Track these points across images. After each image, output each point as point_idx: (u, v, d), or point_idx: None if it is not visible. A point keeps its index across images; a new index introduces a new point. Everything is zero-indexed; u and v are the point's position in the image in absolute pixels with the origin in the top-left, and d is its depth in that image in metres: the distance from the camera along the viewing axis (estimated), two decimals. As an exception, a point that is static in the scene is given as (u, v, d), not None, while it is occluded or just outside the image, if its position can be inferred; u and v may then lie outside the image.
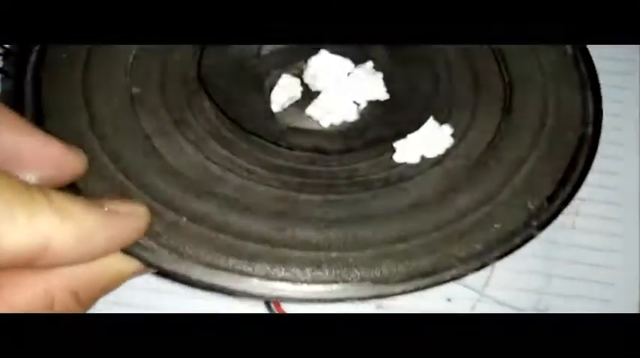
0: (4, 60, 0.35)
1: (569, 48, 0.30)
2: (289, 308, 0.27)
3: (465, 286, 0.31)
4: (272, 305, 0.27)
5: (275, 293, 0.23)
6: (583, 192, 0.30)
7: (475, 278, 0.30)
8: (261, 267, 0.23)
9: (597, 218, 0.34)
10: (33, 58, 0.28)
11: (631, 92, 0.37)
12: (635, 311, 0.32)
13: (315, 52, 0.31)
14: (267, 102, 0.29)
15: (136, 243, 0.23)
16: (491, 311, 0.31)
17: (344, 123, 0.29)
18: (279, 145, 0.26)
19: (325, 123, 0.29)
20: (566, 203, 0.26)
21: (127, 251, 0.22)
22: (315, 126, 0.29)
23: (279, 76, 0.30)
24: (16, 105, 0.26)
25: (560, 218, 0.26)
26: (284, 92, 0.30)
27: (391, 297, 0.24)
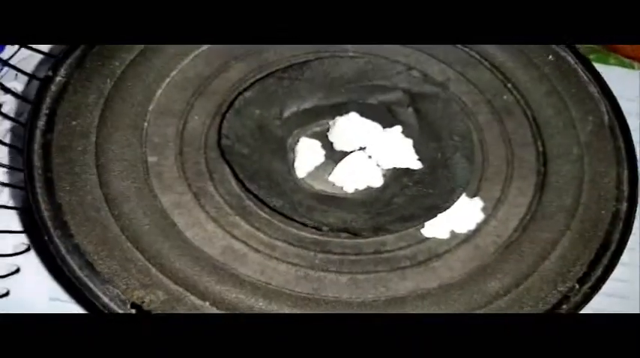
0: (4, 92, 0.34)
1: (606, 118, 0.30)
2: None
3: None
4: None
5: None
6: None
7: None
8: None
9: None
10: (41, 124, 0.26)
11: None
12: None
13: (338, 112, 0.30)
14: (290, 167, 0.28)
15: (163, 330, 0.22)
16: None
17: (368, 189, 0.29)
18: (306, 225, 0.26)
19: (349, 189, 0.29)
20: (597, 286, 0.26)
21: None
22: (339, 192, 0.28)
23: (298, 138, 0.30)
24: (26, 180, 0.25)
25: None
26: (307, 156, 0.29)
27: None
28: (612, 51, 0.43)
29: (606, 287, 0.30)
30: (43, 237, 0.24)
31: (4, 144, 0.32)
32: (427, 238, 0.27)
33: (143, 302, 0.23)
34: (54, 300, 0.29)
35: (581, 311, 0.25)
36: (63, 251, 0.24)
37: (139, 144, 0.27)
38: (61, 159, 0.26)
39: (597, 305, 0.26)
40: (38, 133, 0.27)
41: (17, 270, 0.30)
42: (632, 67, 0.43)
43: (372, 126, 0.30)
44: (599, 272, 0.26)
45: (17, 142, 0.32)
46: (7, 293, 0.29)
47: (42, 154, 0.26)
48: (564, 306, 0.25)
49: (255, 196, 0.26)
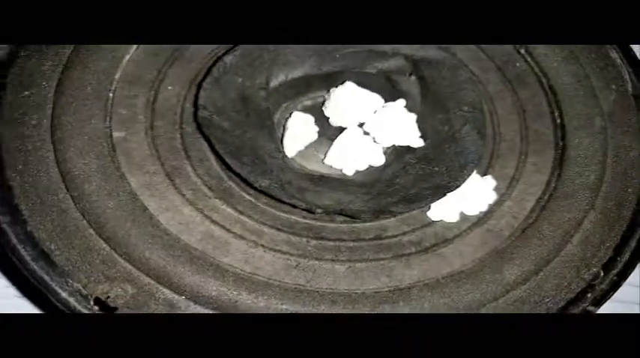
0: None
1: (629, 86, 0.27)
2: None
3: None
4: None
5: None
6: None
7: None
8: None
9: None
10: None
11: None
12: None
13: (332, 83, 0.27)
14: (278, 145, 0.25)
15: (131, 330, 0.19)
16: None
17: (369, 169, 0.25)
18: (296, 207, 0.22)
19: (349, 171, 0.25)
20: (625, 273, 0.23)
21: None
22: (336, 173, 0.25)
23: (288, 112, 0.26)
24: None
25: None
26: (298, 133, 0.26)
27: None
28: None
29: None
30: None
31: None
32: (434, 221, 0.24)
33: (108, 297, 0.20)
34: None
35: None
36: (14, 240, 0.21)
37: (103, 117, 0.24)
38: (12, 135, 0.23)
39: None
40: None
41: None
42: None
43: (373, 99, 0.26)
44: (626, 256, 0.24)
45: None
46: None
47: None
48: (589, 295, 0.23)
49: (238, 176, 0.23)
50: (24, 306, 0.25)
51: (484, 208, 0.24)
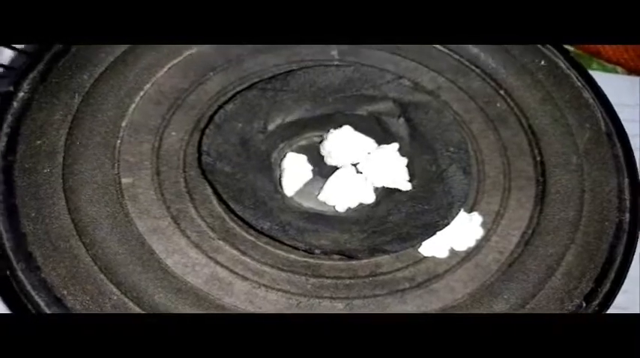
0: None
1: (603, 125, 0.28)
2: None
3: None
4: None
5: None
6: None
7: None
8: None
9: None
10: (2, 145, 0.24)
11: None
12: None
13: (325, 124, 0.28)
14: (277, 185, 0.27)
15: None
16: None
17: (361, 207, 0.27)
18: (296, 248, 0.24)
19: (341, 208, 0.27)
20: (605, 303, 0.24)
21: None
22: (330, 211, 0.27)
23: (283, 153, 0.28)
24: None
25: None
26: (294, 174, 0.27)
27: None
28: (594, 55, 0.43)
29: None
30: (4, 271, 0.22)
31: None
32: (425, 257, 0.25)
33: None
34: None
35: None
36: (28, 286, 0.22)
37: (112, 165, 0.25)
38: (25, 183, 0.24)
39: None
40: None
41: None
42: (616, 71, 0.43)
43: (367, 142, 0.28)
44: (606, 287, 0.25)
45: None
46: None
47: (3, 178, 0.24)
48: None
49: (240, 218, 0.24)
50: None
51: (472, 244, 0.26)
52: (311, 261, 0.25)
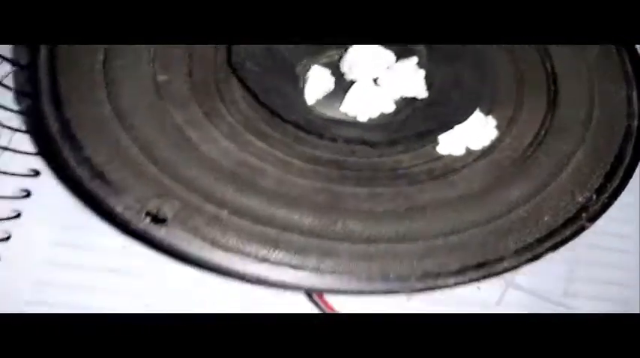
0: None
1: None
2: (333, 301, 0.26)
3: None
4: (315, 297, 0.25)
5: (322, 286, 0.22)
6: None
7: None
8: (309, 260, 0.22)
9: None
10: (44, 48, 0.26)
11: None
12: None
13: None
14: (301, 93, 0.28)
15: (181, 238, 0.21)
16: (521, 298, 0.30)
17: (382, 115, 0.28)
18: (322, 136, 0.25)
19: (363, 118, 0.28)
20: (615, 195, 0.26)
21: (169, 246, 0.21)
22: (351, 119, 0.28)
23: (308, 66, 0.29)
24: (33, 96, 0.24)
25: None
26: (317, 84, 0.29)
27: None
28: None
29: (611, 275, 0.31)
30: (55, 154, 0.23)
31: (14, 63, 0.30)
32: (443, 155, 0.27)
33: (158, 210, 0.23)
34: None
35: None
36: (73, 163, 0.23)
37: (148, 62, 0.27)
38: (68, 76, 0.25)
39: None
40: (43, 52, 0.26)
41: (28, 194, 0.29)
42: None
43: (386, 55, 0.29)
44: (616, 182, 0.26)
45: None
46: (18, 215, 0.28)
47: (48, 71, 0.25)
48: (584, 215, 0.25)
49: (267, 112, 0.26)
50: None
51: (487, 143, 0.27)
52: (334, 157, 0.26)
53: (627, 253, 0.32)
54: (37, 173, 0.29)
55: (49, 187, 0.29)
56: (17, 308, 0.27)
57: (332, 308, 0.25)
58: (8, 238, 0.28)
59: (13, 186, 0.29)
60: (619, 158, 0.27)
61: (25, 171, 0.29)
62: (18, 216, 0.28)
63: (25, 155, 0.30)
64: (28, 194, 0.29)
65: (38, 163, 0.30)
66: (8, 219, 0.28)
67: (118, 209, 0.23)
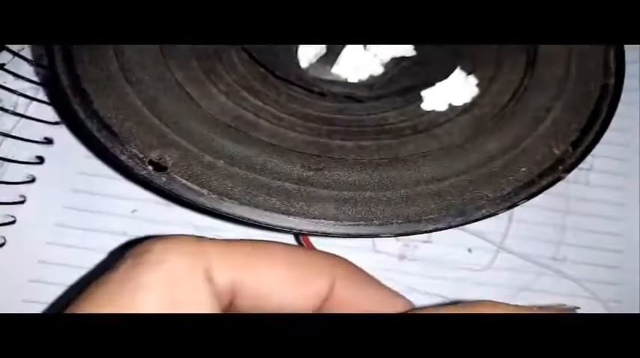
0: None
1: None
2: (318, 243, 0.28)
3: (484, 238, 0.32)
4: (302, 239, 0.27)
5: (310, 229, 0.24)
6: (596, 149, 0.32)
7: (494, 231, 0.32)
8: (298, 205, 0.24)
9: (609, 173, 0.35)
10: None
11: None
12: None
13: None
14: (294, 55, 0.30)
15: (180, 185, 0.23)
16: (511, 262, 0.32)
17: (371, 77, 0.30)
18: (311, 92, 0.27)
19: (353, 79, 0.30)
20: (590, 149, 0.27)
21: (169, 191, 0.23)
22: (342, 80, 0.30)
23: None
24: (46, 52, 0.26)
25: (575, 172, 0.27)
26: (310, 48, 0.30)
27: (423, 234, 0.25)
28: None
29: (601, 240, 0.32)
30: (67, 107, 0.26)
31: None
32: (427, 112, 0.28)
33: (160, 158, 0.25)
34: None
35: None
36: (82, 115, 0.25)
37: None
38: (78, 38, 0.27)
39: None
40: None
41: (51, 141, 0.32)
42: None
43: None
44: (591, 136, 0.28)
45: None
46: (33, 180, 0.31)
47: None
48: (560, 167, 0.27)
49: (264, 70, 0.28)
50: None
51: (468, 100, 0.29)
52: (323, 114, 0.28)
53: (615, 220, 0.33)
54: (50, 141, 0.32)
55: (61, 154, 0.32)
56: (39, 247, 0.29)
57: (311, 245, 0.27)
58: (23, 202, 0.30)
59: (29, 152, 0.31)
60: (595, 114, 0.28)
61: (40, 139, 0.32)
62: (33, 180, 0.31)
63: (41, 123, 0.32)
64: (41, 161, 0.31)
65: (53, 131, 0.32)
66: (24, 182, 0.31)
67: (123, 157, 0.25)
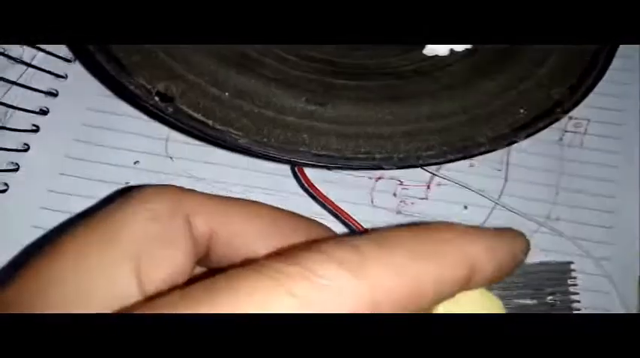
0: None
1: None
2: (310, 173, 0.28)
3: (480, 195, 0.32)
4: (297, 171, 0.28)
5: (313, 162, 0.24)
6: (591, 113, 0.34)
7: (490, 187, 0.32)
8: (301, 138, 0.25)
9: (603, 137, 0.35)
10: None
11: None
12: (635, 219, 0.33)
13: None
14: None
15: (186, 115, 0.23)
16: (506, 220, 0.32)
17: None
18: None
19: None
20: (587, 93, 0.28)
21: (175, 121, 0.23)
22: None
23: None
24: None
25: (569, 136, 0.27)
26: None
27: (425, 167, 0.25)
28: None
29: (593, 201, 0.32)
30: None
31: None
32: (429, 57, 0.29)
33: (167, 90, 0.25)
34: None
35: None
36: (93, 49, 0.26)
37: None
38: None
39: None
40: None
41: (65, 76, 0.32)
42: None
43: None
44: (589, 81, 0.28)
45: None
46: (37, 129, 0.31)
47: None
48: (558, 110, 0.27)
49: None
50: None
51: (470, 46, 0.29)
52: (329, 57, 0.29)
53: (609, 181, 0.34)
54: (55, 94, 0.32)
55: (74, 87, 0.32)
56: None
57: (310, 183, 0.28)
58: (27, 150, 0.31)
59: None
60: (593, 60, 0.29)
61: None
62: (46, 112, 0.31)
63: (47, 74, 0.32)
64: (45, 112, 0.32)
65: (58, 84, 0.32)
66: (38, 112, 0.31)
67: (131, 87, 0.25)
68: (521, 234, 0.17)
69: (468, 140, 0.26)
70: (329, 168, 0.27)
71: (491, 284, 0.16)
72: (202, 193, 0.18)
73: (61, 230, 0.29)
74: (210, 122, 0.24)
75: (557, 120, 0.27)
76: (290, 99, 0.26)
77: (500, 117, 0.26)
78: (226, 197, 0.19)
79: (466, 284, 0.15)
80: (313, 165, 0.26)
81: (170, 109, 0.25)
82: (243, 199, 0.19)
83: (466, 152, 0.26)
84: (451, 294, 0.15)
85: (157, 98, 0.25)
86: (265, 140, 0.24)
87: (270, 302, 0.12)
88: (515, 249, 0.16)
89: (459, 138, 0.26)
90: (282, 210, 0.20)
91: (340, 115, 0.26)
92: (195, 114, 0.25)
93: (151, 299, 0.14)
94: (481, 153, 0.26)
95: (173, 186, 0.18)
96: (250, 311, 0.12)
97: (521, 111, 0.27)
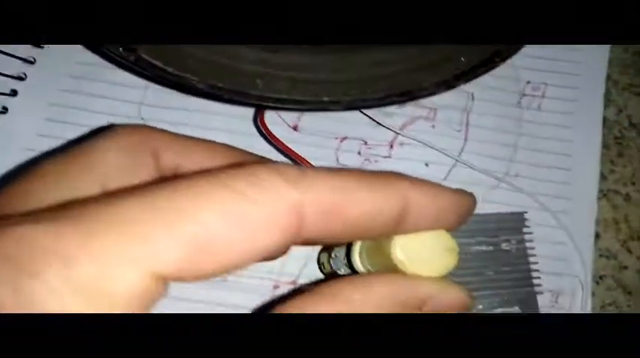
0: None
1: None
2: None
3: (441, 152, 0.34)
4: (259, 121, 0.30)
5: (269, 104, 0.26)
6: (549, 78, 0.35)
7: (450, 146, 0.34)
8: (256, 82, 0.26)
9: (559, 99, 0.37)
10: None
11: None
12: (593, 178, 0.34)
13: None
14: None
15: (147, 63, 0.25)
16: (466, 176, 0.34)
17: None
18: None
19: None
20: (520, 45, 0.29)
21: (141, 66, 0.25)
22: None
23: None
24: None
25: (528, 99, 0.28)
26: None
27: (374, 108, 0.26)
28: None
29: (550, 159, 0.34)
30: None
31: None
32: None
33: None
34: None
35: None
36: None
37: None
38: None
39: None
40: None
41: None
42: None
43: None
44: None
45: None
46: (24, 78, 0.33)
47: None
48: (496, 59, 0.29)
49: None
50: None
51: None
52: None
53: (565, 141, 0.35)
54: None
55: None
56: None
57: (269, 132, 0.29)
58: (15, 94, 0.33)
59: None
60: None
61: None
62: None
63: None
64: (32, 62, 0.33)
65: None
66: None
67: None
68: (465, 191, 0.19)
69: (412, 85, 0.27)
70: (278, 109, 0.28)
71: (441, 229, 0.18)
72: (170, 132, 0.21)
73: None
74: (169, 69, 0.26)
75: (494, 67, 0.28)
76: (245, 48, 0.28)
77: (445, 65, 0.28)
78: (190, 136, 0.21)
79: (400, 219, 0.16)
80: (266, 107, 0.28)
81: (132, 58, 0.27)
82: (205, 139, 0.21)
83: (410, 95, 0.27)
84: (384, 225, 0.16)
85: (120, 48, 0.27)
86: (220, 84, 0.26)
87: (208, 193, 0.14)
88: (458, 200, 0.18)
89: (404, 83, 0.27)
90: (240, 149, 0.22)
91: (293, 62, 0.27)
92: (155, 62, 0.26)
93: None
94: (424, 96, 0.27)
95: (145, 125, 0.21)
96: (189, 200, 0.14)
97: (462, 59, 0.29)
